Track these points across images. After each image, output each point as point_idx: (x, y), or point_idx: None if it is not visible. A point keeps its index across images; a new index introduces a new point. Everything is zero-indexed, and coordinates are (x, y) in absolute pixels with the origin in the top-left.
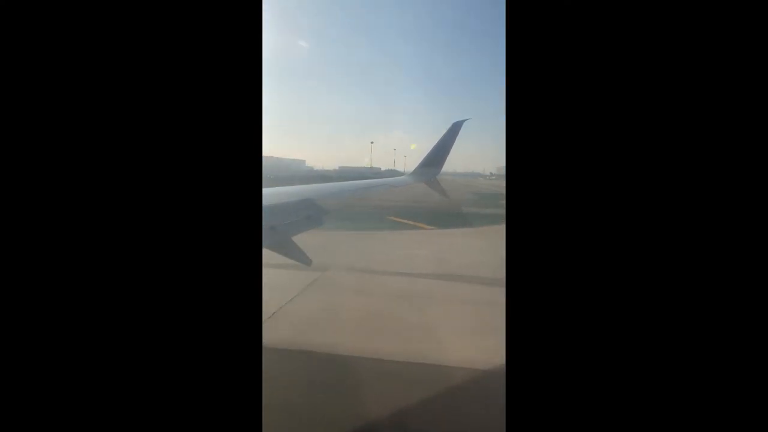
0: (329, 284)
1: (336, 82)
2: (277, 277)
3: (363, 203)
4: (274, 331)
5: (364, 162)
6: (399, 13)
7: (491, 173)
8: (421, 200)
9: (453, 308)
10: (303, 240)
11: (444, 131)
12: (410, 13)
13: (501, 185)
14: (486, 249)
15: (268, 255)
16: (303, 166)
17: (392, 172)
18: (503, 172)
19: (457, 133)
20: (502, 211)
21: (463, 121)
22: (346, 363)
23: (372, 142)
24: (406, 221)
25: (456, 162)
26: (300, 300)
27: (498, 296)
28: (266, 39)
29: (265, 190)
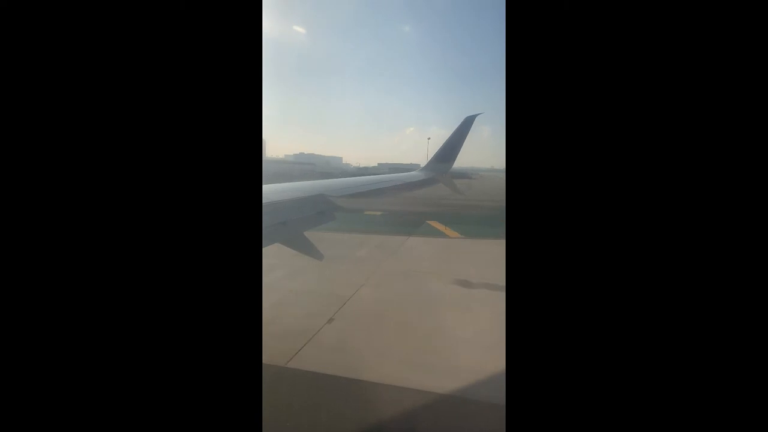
0: None
1: (364, 78)
2: None
3: (468, 203)
4: None
5: (400, 158)
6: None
7: None
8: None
9: None
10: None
11: (480, 124)
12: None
13: None
14: None
15: (285, 251)
16: (339, 163)
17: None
18: None
19: (469, 127)
20: None
21: (475, 116)
22: None
23: (429, 138)
24: None
25: (492, 159)
26: None
27: None
28: (298, 39)
29: (274, 186)
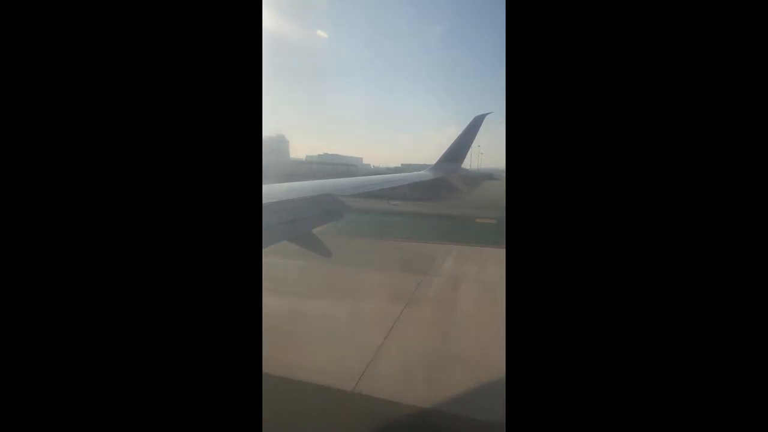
0: None
1: (380, 79)
2: None
3: None
4: None
5: (424, 158)
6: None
7: None
8: None
9: None
10: None
11: (497, 124)
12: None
13: None
14: None
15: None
16: (360, 164)
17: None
18: None
19: (479, 127)
20: None
21: (484, 115)
22: None
23: (479, 146)
24: None
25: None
26: None
27: None
28: (316, 41)
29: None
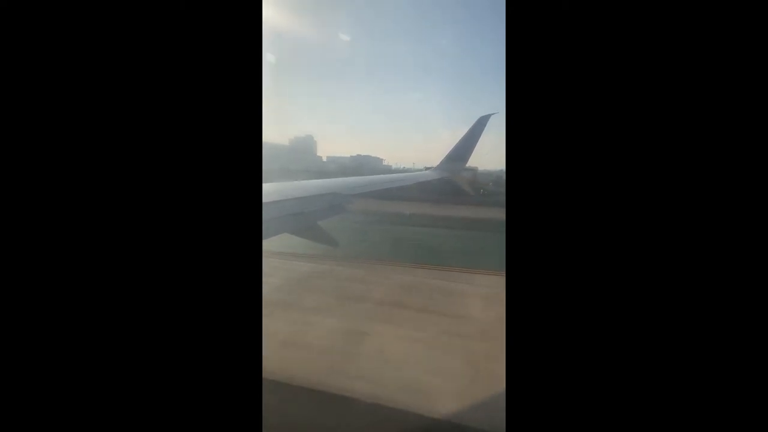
0: None
1: (397, 80)
2: None
3: None
4: None
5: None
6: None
7: None
8: None
9: None
10: None
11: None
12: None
13: None
14: None
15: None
16: (380, 165)
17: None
18: None
19: (483, 127)
20: None
21: (489, 116)
22: None
23: None
24: None
25: None
26: None
27: None
28: (332, 41)
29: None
